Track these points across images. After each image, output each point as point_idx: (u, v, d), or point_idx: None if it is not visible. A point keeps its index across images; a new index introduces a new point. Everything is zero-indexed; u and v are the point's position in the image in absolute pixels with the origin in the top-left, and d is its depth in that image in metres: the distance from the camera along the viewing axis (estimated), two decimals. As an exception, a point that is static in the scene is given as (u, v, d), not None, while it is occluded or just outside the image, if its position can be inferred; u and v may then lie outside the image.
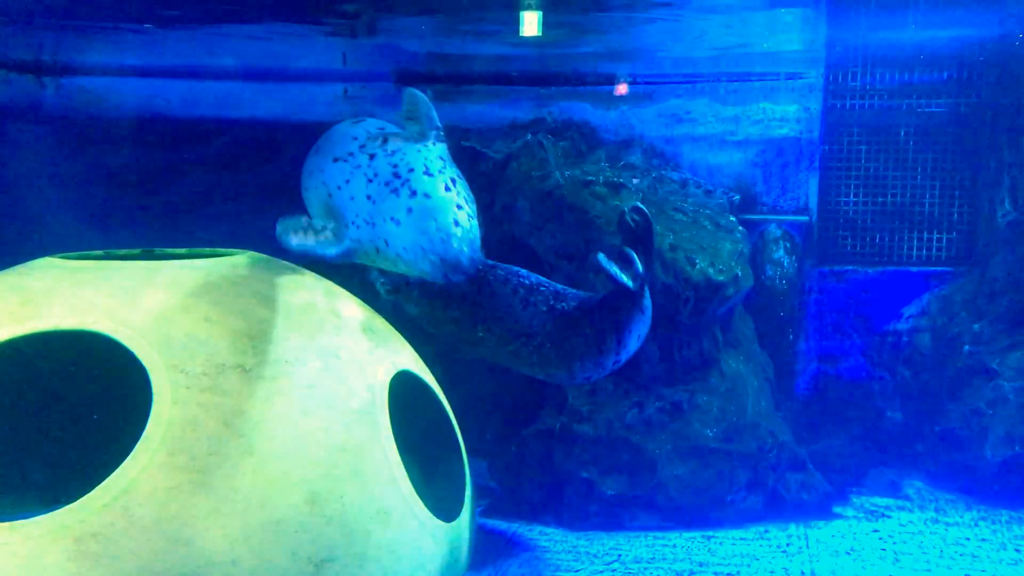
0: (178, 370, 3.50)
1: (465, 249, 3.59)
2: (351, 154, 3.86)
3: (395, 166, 3.72)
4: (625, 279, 4.18)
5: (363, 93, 6.65)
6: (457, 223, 3.61)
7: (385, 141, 3.82)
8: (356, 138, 3.90)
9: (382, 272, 4.57)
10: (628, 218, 4.32)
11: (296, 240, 3.99)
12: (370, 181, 3.76)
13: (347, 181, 3.84)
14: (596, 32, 5.89)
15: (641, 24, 5.67)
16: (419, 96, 3.84)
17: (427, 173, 3.69)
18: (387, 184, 3.70)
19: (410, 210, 3.62)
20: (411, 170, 3.69)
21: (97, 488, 3.27)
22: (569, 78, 6.43)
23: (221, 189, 6.57)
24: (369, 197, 3.75)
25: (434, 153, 3.79)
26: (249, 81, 6.68)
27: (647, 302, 4.36)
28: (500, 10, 5.40)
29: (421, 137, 3.82)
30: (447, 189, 3.66)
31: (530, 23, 5.53)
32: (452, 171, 3.80)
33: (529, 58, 6.39)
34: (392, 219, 3.68)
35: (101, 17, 5.65)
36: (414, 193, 3.63)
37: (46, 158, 6.59)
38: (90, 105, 6.63)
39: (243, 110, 6.67)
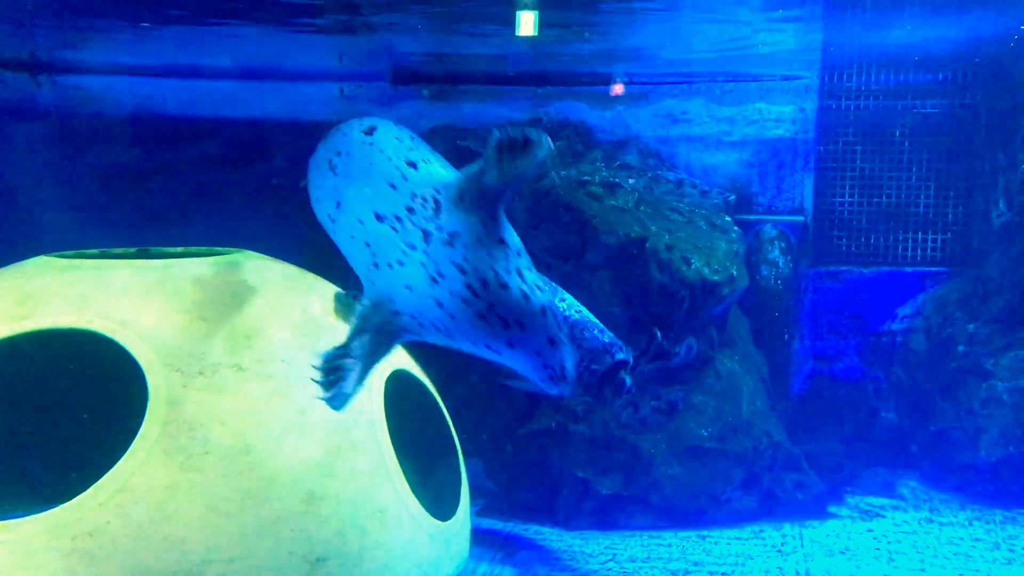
0: (174, 369, 3.50)
1: (569, 367, 3.40)
2: (398, 219, 3.24)
3: (464, 272, 3.15)
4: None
5: (359, 92, 6.65)
6: (553, 340, 3.26)
7: (437, 210, 3.21)
8: (394, 186, 3.27)
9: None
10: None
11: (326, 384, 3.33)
12: (435, 282, 3.20)
13: (400, 263, 3.28)
14: (592, 32, 5.89)
15: (637, 24, 5.68)
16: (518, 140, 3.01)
17: (502, 285, 3.15)
18: (465, 301, 3.17)
19: (510, 343, 3.24)
20: (485, 283, 3.15)
21: (93, 486, 3.27)
22: (565, 78, 6.44)
23: (217, 188, 6.57)
24: (441, 305, 3.23)
25: (493, 237, 3.19)
26: (245, 80, 6.68)
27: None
28: (497, 10, 5.40)
29: (479, 196, 3.14)
30: (527, 298, 3.16)
31: (526, 23, 5.53)
32: (524, 257, 3.26)
33: (525, 58, 6.39)
34: (487, 347, 3.28)
35: (96, 15, 5.64)
36: (507, 324, 3.18)
37: (41, 157, 6.58)
38: (85, 104, 6.62)
39: (239, 109, 6.67)
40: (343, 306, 3.95)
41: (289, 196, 5.86)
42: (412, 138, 3.58)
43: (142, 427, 3.39)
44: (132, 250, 4.52)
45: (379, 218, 3.31)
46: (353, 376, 3.32)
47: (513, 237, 3.32)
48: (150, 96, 6.66)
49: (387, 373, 4.06)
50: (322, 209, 3.59)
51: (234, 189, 6.55)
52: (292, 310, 3.93)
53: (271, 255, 4.45)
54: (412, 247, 3.24)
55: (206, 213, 6.49)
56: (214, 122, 6.64)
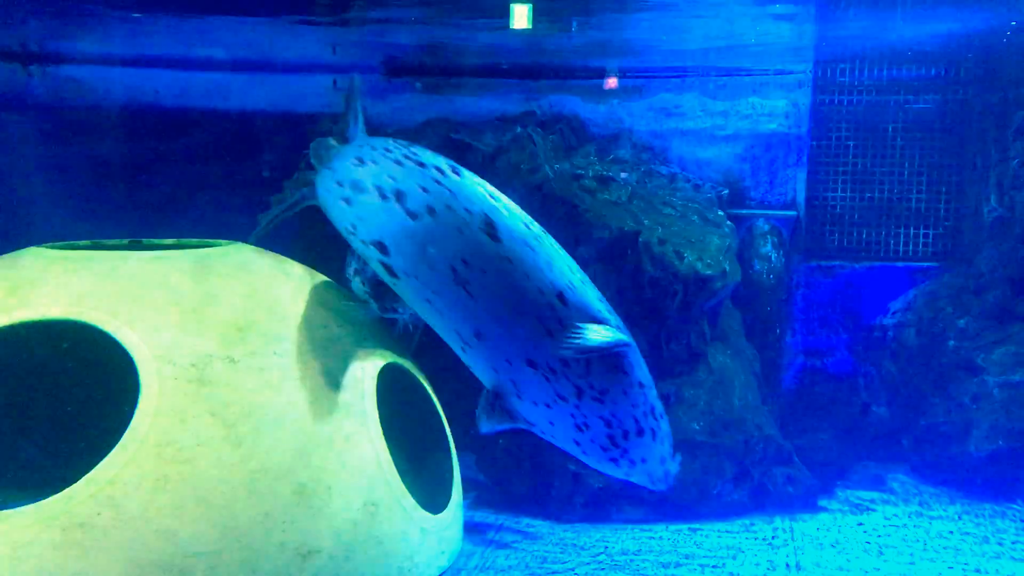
0: (166, 360, 3.49)
1: (672, 470, 3.48)
2: (552, 371, 3.17)
3: (610, 425, 3.23)
4: None
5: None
6: (664, 461, 3.41)
7: (588, 368, 3.18)
8: (551, 333, 3.13)
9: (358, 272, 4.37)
10: None
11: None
12: (580, 430, 3.26)
13: (547, 406, 3.28)
14: (586, 25, 5.89)
15: (631, 18, 5.67)
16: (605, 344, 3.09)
17: (640, 431, 3.27)
18: (604, 449, 3.29)
19: (628, 475, 3.43)
20: (626, 434, 3.25)
21: (84, 478, 3.27)
22: (559, 71, 6.44)
23: (209, 179, 6.55)
24: (579, 444, 3.34)
25: (634, 384, 3.26)
26: (238, 72, 6.66)
27: None
28: (491, 3, 5.40)
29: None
30: (654, 435, 3.30)
31: (520, 16, 5.52)
32: (653, 396, 3.35)
33: (519, 51, 6.38)
34: (603, 472, 3.50)
35: (88, 5, 5.61)
36: (633, 463, 3.33)
37: (33, 148, 6.56)
38: (78, 95, 6.60)
39: (232, 101, 6.65)
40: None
41: (282, 188, 5.85)
42: (533, 228, 3.32)
43: (133, 419, 3.38)
44: (124, 241, 4.52)
45: (532, 364, 3.19)
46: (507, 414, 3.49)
47: (644, 371, 3.32)
48: (142, 87, 6.64)
49: (380, 367, 4.06)
50: (445, 324, 3.36)
51: (227, 181, 6.54)
52: (285, 303, 3.93)
53: (263, 247, 4.45)
54: (563, 398, 3.19)
55: (198, 205, 6.47)
56: (207, 114, 6.62)
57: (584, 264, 5.31)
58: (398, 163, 3.44)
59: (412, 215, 3.29)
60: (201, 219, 6.24)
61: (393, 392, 4.12)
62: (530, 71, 6.44)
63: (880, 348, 6.30)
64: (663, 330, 5.27)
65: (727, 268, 5.34)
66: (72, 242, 4.29)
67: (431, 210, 3.26)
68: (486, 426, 3.54)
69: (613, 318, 3.34)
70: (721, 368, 5.44)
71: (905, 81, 6.25)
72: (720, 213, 5.81)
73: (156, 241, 4.54)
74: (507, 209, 3.33)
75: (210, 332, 3.62)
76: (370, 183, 3.44)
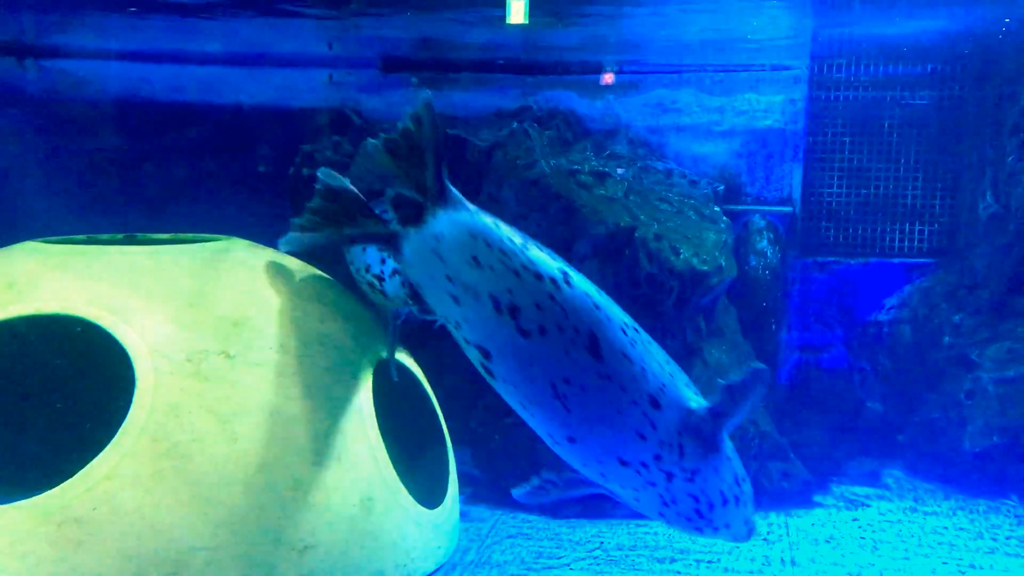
0: (161, 355, 3.49)
1: (754, 527, 3.50)
2: (644, 465, 3.23)
3: (696, 500, 3.27)
4: None
5: (348, 79, 6.62)
6: (747, 521, 3.44)
7: (682, 454, 3.22)
8: (644, 437, 3.20)
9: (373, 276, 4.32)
10: None
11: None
12: (666, 505, 3.32)
13: (635, 489, 3.33)
14: (583, 21, 5.88)
15: (627, 13, 5.67)
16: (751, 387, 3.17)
17: (724, 502, 3.30)
18: (688, 520, 3.34)
19: (712, 537, 3.47)
20: (712, 507, 3.29)
21: (80, 473, 3.26)
22: (555, 67, 6.43)
23: (205, 174, 6.54)
24: (663, 516, 3.39)
25: (722, 457, 3.31)
26: (233, 66, 6.64)
27: None
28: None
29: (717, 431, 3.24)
30: (737, 501, 3.34)
31: (517, 11, 5.52)
32: (737, 463, 3.40)
33: (515, 46, 6.38)
34: (683, 533, 3.58)
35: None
36: (717, 529, 3.36)
37: (27, 142, 6.54)
38: (73, 89, 6.57)
39: (227, 96, 6.63)
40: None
41: (277, 183, 5.85)
42: (628, 332, 3.32)
43: (129, 414, 3.38)
44: (119, 236, 4.51)
45: (623, 463, 3.27)
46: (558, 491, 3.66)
47: (728, 442, 3.39)
48: (138, 81, 6.62)
49: (376, 362, 4.06)
50: (537, 424, 3.41)
51: (222, 175, 6.53)
52: (281, 297, 3.92)
53: (259, 242, 4.44)
54: (653, 484, 3.27)
55: (194, 199, 6.46)
56: (202, 108, 6.60)
57: (580, 260, 5.34)
58: (516, 274, 3.28)
59: (524, 332, 3.24)
60: (197, 213, 6.23)
61: (390, 387, 4.12)
62: (526, 66, 6.44)
63: (875, 344, 6.31)
64: (659, 326, 5.27)
65: (723, 264, 5.34)
66: (67, 237, 4.29)
67: (542, 329, 3.22)
68: (551, 495, 3.74)
69: (700, 397, 3.39)
70: (717, 364, 5.44)
71: (901, 77, 6.25)
72: (716, 209, 5.81)
73: (152, 236, 4.53)
74: (609, 318, 3.30)
75: (206, 327, 3.61)
76: (486, 292, 3.28)
